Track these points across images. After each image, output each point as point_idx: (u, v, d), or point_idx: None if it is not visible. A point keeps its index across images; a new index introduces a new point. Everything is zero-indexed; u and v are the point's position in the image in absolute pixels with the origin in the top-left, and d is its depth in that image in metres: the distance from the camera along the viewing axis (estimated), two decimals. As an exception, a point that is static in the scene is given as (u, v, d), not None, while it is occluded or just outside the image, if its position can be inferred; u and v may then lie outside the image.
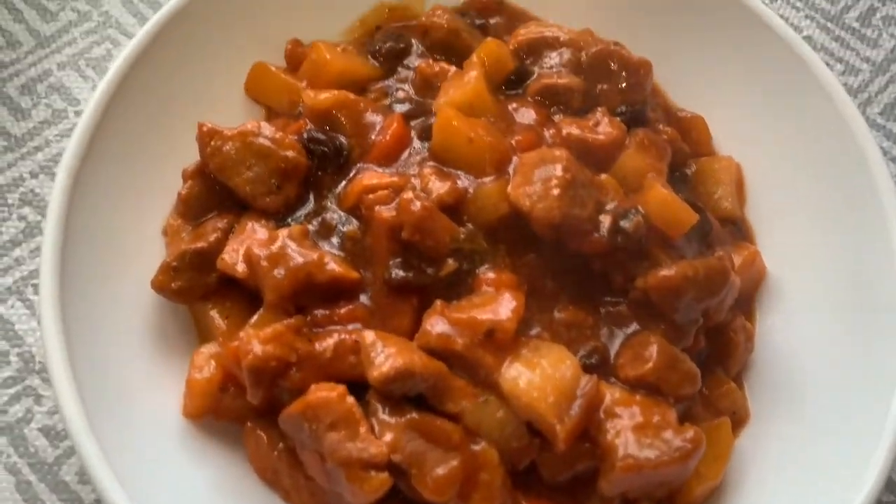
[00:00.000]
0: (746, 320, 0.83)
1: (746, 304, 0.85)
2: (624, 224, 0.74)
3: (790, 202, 0.87)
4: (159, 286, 0.76)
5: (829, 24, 1.09)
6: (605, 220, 0.76)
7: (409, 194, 0.74)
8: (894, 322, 0.77)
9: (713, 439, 0.73)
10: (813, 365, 0.80)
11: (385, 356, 0.67)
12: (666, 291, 0.73)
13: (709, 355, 0.79)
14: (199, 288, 0.76)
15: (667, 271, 0.73)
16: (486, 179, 0.78)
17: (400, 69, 0.89)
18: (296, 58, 0.89)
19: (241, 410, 0.73)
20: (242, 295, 0.77)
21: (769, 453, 0.77)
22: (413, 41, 0.91)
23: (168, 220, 0.81)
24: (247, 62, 0.90)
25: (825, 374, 0.79)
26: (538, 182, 0.75)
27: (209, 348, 0.74)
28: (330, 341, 0.71)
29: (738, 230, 0.88)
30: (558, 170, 0.75)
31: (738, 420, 0.78)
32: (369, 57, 0.90)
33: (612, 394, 0.71)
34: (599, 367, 0.73)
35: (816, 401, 0.78)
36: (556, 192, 0.74)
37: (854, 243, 0.81)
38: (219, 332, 0.75)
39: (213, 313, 0.76)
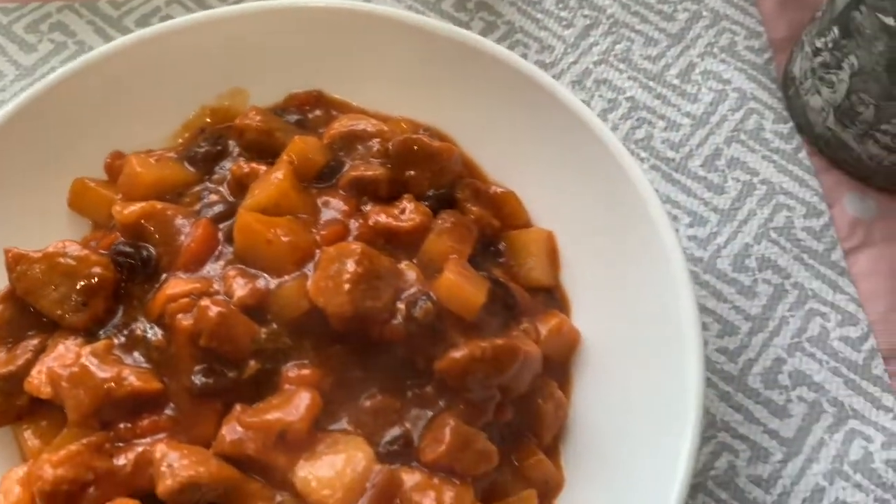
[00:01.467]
0: (561, 387, 0.86)
1: (561, 370, 0.88)
2: (414, 312, 0.77)
3: (599, 270, 0.90)
4: (-33, 413, 0.77)
5: (650, 83, 1.15)
6: (402, 308, 0.79)
7: (205, 301, 0.77)
8: (680, 382, 0.80)
9: (516, 513, 0.76)
10: (622, 427, 0.83)
11: (172, 469, 0.69)
12: (455, 373, 0.76)
13: (521, 424, 0.82)
14: (11, 411, 0.78)
15: (455, 353, 0.76)
16: (288, 278, 0.81)
17: (217, 171, 0.93)
18: (115, 170, 0.92)
19: (53, 532, 0.74)
20: (57, 413, 0.78)
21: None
22: (230, 143, 0.95)
23: (-17, 345, 0.83)
24: (72, 177, 0.94)
25: (631, 436, 0.82)
26: (332, 278, 0.78)
27: (18, 471, 0.75)
28: (130, 455, 0.73)
29: (552, 298, 0.91)
30: (351, 265, 0.78)
31: (551, 488, 0.81)
32: (186, 163, 0.93)
33: (411, 479, 0.74)
34: (402, 451, 0.76)
35: (623, 461, 0.81)
36: (346, 286, 0.77)
37: (653, 305, 0.85)
38: (32, 452, 0.77)
39: (27, 433, 0.78)
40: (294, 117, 0.98)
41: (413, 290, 0.80)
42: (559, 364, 0.88)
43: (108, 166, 0.93)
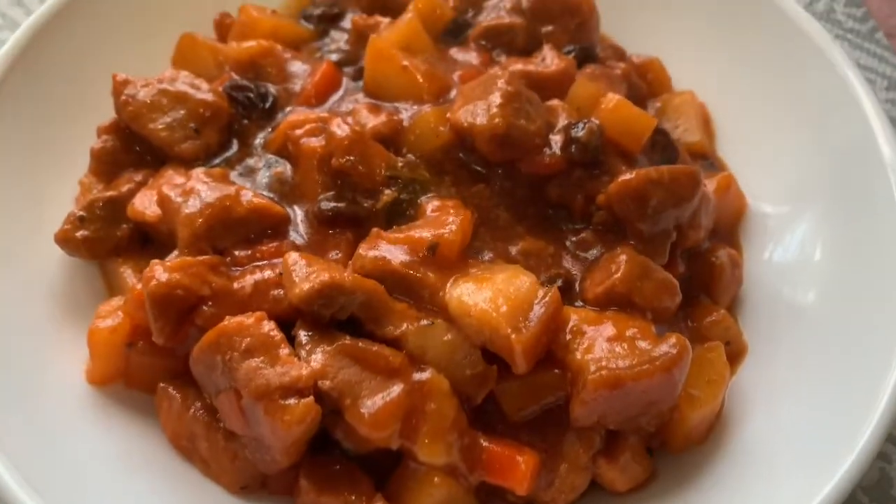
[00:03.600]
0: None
1: (730, 236, 0.76)
2: (576, 133, 0.67)
3: (762, 138, 0.80)
4: (63, 237, 0.67)
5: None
6: (557, 138, 0.69)
7: (336, 121, 0.68)
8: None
9: (705, 362, 0.63)
10: (809, 295, 0.70)
11: (309, 273, 0.58)
12: (628, 197, 0.65)
13: (692, 284, 0.70)
14: (108, 240, 0.68)
15: (627, 175, 0.65)
16: (425, 107, 0.71)
17: (333, 32, 0.85)
18: (224, 28, 0.85)
19: (152, 371, 0.63)
20: (157, 253, 0.68)
21: (773, 385, 0.66)
22: (348, 8, 0.87)
23: (81, 179, 0.73)
24: (174, 36, 0.86)
25: (824, 303, 0.69)
26: (481, 101, 0.68)
27: (117, 301, 0.65)
28: (250, 278, 0.61)
29: (711, 166, 0.81)
30: (501, 83, 0.69)
31: (735, 352, 0.68)
32: (302, 20, 0.85)
33: (578, 315, 0.61)
34: (563, 291, 0.64)
35: (818, 329, 0.67)
36: (498, 101, 0.67)
37: (839, 164, 0.74)
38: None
39: (126, 271, 0.67)
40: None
41: (566, 121, 0.70)
42: (727, 229, 0.76)
43: (218, 23, 0.85)
